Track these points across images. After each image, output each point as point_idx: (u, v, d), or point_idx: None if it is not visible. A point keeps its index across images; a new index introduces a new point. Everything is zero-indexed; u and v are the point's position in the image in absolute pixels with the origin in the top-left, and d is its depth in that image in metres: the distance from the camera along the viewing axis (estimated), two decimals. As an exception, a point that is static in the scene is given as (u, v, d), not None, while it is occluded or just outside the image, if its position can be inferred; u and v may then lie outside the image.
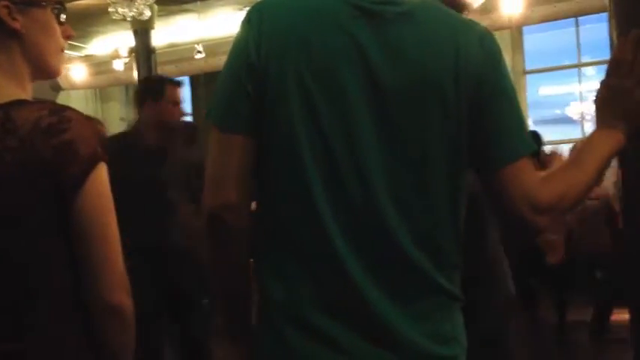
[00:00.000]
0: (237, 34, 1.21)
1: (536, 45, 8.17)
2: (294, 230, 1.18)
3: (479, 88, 1.17)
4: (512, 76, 1.29)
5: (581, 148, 1.30)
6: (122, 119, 9.61)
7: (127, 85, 9.29)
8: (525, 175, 1.19)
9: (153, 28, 6.74)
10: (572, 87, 8.53)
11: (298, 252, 1.18)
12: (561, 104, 8.81)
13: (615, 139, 1.29)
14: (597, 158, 1.27)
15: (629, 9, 1.44)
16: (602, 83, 1.34)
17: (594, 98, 1.35)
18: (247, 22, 1.19)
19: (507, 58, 1.79)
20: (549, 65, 8.42)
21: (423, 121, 1.15)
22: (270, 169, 1.19)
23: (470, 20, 1.25)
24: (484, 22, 3.07)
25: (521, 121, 1.22)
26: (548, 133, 6.29)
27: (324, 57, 1.15)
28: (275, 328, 1.19)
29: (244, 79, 1.16)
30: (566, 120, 8.76)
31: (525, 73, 7.90)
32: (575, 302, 4.84)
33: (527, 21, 6.57)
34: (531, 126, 7.31)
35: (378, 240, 1.16)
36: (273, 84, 1.16)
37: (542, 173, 1.26)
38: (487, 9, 5.90)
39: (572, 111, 8.69)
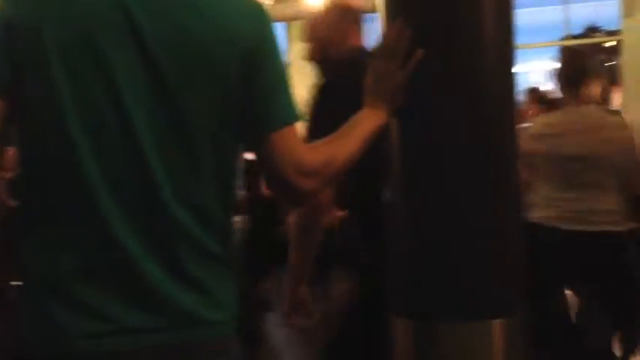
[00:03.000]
0: None
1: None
2: (57, 198, 1.16)
3: (248, 58, 1.20)
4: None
5: (348, 123, 1.44)
6: None
7: None
8: (291, 142, 1.27)
9: None
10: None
11: (62, 219, 1.16)
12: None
13: (379, 116, 1.47)
14: (361, 132, 1.43)
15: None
16: (370, 66, 1.50)
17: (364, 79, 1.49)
18: None
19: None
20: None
21: (190, 85, 1.17)
22: (31, 134, 1.18)
23: None
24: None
25: (288, 92, 1.28)
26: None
27: (87, 16, 1.14)
28: (38, 303, 1.16)
29: (1, 41, 1.15)
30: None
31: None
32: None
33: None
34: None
35: (145, 200, 1.16)
36: (32, 45, 1.13)
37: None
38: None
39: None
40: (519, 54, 8.30)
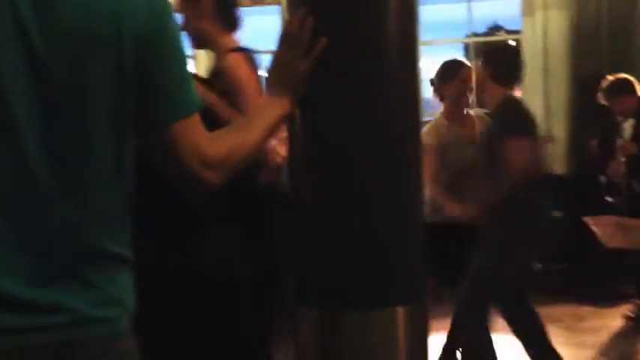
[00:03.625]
0: None
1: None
2: None
3: (145, 47, 1.17)
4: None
5: (251, 112, 1.46)
6: None
7: None
8: (194, 132, 1.24)
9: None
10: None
11: None
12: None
13: (281, 106, 1.46)
14: (264, 122, 1.43)
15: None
16: (273, 55, 1.51)
17: (267, 69, 1.49)
18: None
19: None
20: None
21: (82, 77, 1.12)
22: None
23: None
24: None
25: (188, 81, 1.25)
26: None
27: None
28: None
29: None
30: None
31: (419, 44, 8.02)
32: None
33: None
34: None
35: (29, 198, 1.11)
36: None
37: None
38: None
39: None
40: (424, 50, 8.44)
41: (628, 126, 4.60)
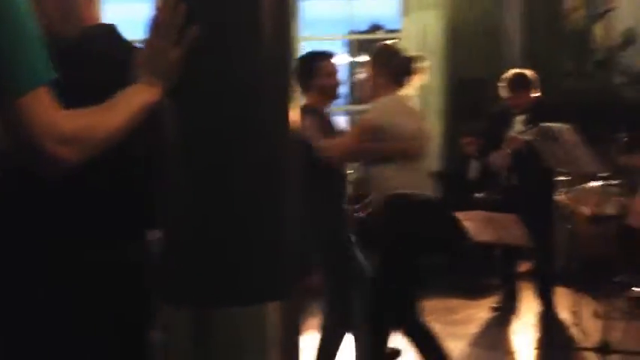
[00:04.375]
0: None
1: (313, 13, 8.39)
2: None
3: None
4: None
5: (116, 96, 1.39)
6: None
7: None
8: (43, 106, 1.18)
9: None
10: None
11: None
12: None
13: (150, 93, 1.42)
14: (128, 106, 1.37)
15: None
16: (144, 42, 1.47)
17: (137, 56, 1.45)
18: None
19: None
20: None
21: None
22: None
23: None
24: None
25: (34, 52, 1.19)
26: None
27: None
28: None
29: None
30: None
31: (301, 40, 8.02)
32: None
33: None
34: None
35: None
36: None
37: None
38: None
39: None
40: (306, 46, 8.33)
41: (519, 120, 4.77)
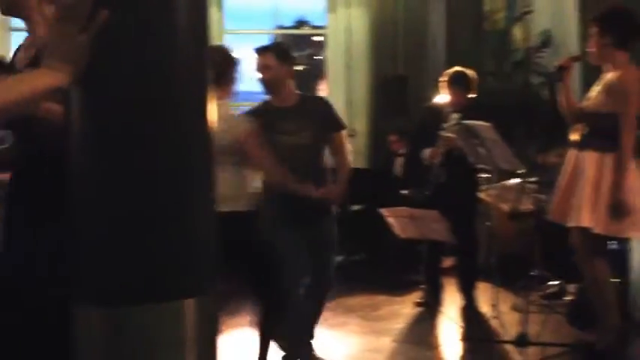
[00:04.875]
0: None
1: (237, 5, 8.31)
2: None
3: None
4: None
5: (24, 75, 1.44)
6: None
7: None
8: None
9: None
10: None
11: None
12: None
13: (55, 77, 1.41)
14: (28, 85, 1.38)
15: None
16: (52, 26, 1.46)
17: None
18: None
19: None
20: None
21: None
22: None
23: None
24: None
25: None
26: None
27: None
28: None
29: None
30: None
31: (225, 32, 7.92)
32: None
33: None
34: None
35: None
36: None
37: None
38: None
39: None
40: (232, 39, 8.24)
41: (454, 119, 4.82)
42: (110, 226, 1.49)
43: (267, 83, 3.75)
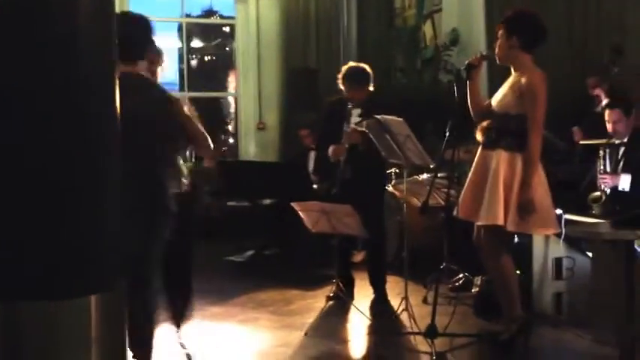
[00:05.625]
0: None
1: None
2: None
3: None
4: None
5: None
6: None
7: None
8: None
9: None
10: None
11: None
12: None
13: None
14: None
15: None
16: None
17: None
18: None
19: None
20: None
21: None
22: None
23: None
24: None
25: None
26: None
27: None
28: None
29: None
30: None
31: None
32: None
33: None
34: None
35: None
36: None
37: None
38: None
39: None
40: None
41: (355, 114, 4.83)
42: (3, 217, 1.41)
43: None
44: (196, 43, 14.36)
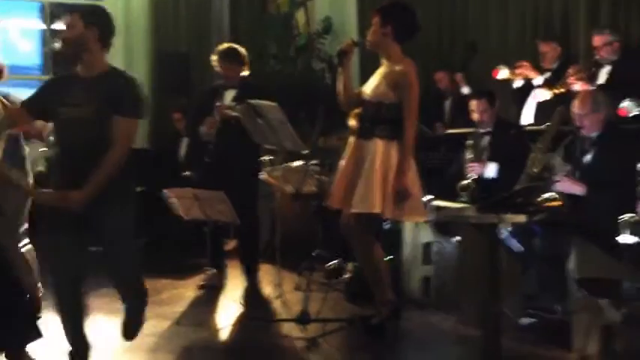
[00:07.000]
0: None
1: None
2: None
3: None
4: None
5: None
6: None
7: None
8: None
9: None
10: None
11: None
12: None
13: None
14: None
15: None
16: None
17: None
18: None
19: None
20: None
21: None
22: None
23: None
24: None
25: None
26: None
27: None
28: None
29: None
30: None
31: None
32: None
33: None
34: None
35: None
36: None
37: None
38: None
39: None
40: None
41: (229, 95, 4.78)
42: None
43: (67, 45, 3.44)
44: (61, 26, 13.63)
